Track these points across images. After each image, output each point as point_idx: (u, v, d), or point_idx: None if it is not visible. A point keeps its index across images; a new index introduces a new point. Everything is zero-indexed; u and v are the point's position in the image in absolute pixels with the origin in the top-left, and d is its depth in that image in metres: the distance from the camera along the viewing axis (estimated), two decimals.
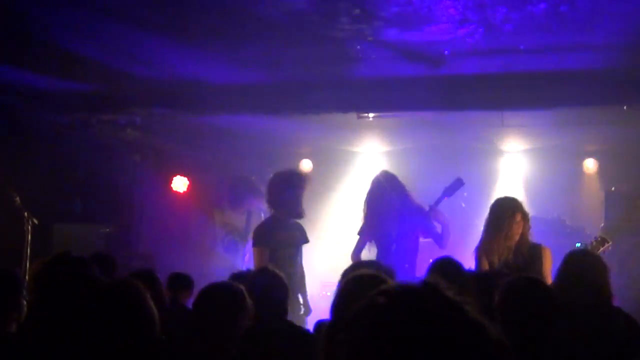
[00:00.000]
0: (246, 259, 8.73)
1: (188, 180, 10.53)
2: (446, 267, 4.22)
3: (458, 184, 7.36)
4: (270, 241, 6.76)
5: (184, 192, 10.42)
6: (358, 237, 7.61)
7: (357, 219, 7.93)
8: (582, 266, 4.38)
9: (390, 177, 7.56)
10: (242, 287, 3.85)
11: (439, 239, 7.19)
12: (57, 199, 9.02)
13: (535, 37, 6.01)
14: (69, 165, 9.05)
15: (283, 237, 6.85)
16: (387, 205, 7.30)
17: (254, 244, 6.85)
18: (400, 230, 7.17)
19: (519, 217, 5.92)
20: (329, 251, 10.60)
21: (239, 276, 4.96)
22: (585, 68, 6.75)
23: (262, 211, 8.91)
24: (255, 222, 8.65)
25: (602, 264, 4.41)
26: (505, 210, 5.96)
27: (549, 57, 6.53)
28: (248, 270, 5.77)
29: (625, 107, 7.15)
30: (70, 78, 7.61)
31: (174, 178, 10.48)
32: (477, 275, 4.47)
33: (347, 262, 9.04)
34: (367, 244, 7.62)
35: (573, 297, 4.13)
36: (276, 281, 4.50)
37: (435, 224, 7.18)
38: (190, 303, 5.22)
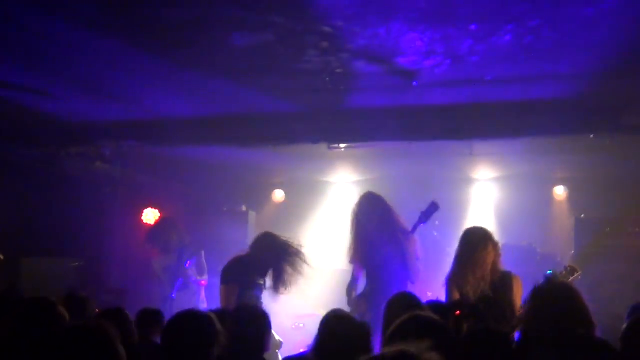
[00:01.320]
0: (202, 296, 8.65)
1: (159, 212, 10.45)
2: (403, 302, 4.22)
3: (433, 208, 7.29)
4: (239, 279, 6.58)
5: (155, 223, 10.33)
6: (352, 266, 7.43)
7: (334, 248, 7.85)
8: (555, 295, 4.31)
9: (375, 200, 7.38)
10: (211, 314, 3.82)
11: (411, 271, 7.07)
12: (25, 234, 8.89)
13: (501, 68, 6.08)
14: (38, 199, 8.93)
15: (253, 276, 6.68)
16: (373, 230, 7.15)
17: (223, 282, 6.66)
18: (388, 257, 7.02)
19: (489, 247, 5.93)
20: (302, 282, 10.55)
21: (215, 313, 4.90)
22: (551, 97, 6.83)
23: (196, 245, 8.87)
24: (188, 256, 8.61)
25: (576, 292, 4.33)
26: (475, 241, 5.97)
27: (515, 87, 6.61)
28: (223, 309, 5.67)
29: (592, 136, 7.23)
30: (38, 112, 7.56)
31: (145, 210, 10.39)
32: (433, 308, 4.43)
33: (320, 294, 9.10)
34: (361, 272, 7.46)
35: (550, 329, 4.05)
36: (256, 317, 4.47)
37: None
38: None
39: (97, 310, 8.02)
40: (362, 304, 6.84)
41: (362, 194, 7.56)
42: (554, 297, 4.27)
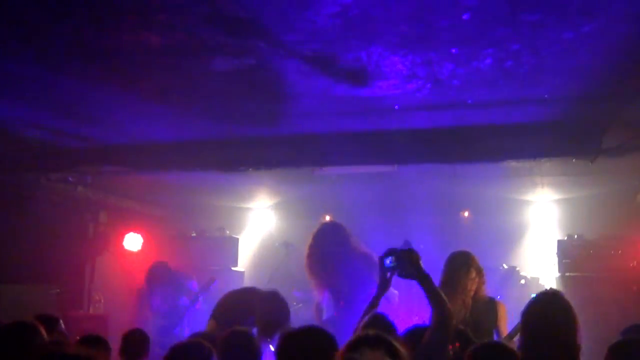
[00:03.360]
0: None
1: (142, 237, 10.36)
2: (374, 327, 4.21)
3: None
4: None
5: (138, 249, 10.24)
6: (316, 293, 7.52)
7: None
8: (551, 315, 4.21)
9: (333, 228, 7.50)
10: (209, 345, 3.89)
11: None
12: (4, 260, 8.76)
13: (482, 92, 6.09)
14: (17, 225, 8.82)
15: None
16: (332, 259, 7.22)
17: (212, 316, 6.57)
18: (348, 284, 7.09)
19: (471, 273, 5.94)
20: None
21: (203, 336, 4.86)
22: (533, 121, 6.86)
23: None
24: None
25: (573, 313, 4.25)
26: (457, 266, 5.98)
27: (497, 110, 6.62)
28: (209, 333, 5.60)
29: (573, 160, 7.25)
30: (19, 137, 7.50)
31: (126, 235, 10.31)
32: (411, 334, 4.42)
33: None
34: (325, 299, 7.53)
35: (538, 352, 4.01)
36: (249, 343, 4.52)
37: None
38: None
39: (77, 337, 7.97)
40: (331, 329, 6.87)
41: (322, 223, 7.72)
42: (540, 313, 4.20)
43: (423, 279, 4.58)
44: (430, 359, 4.17)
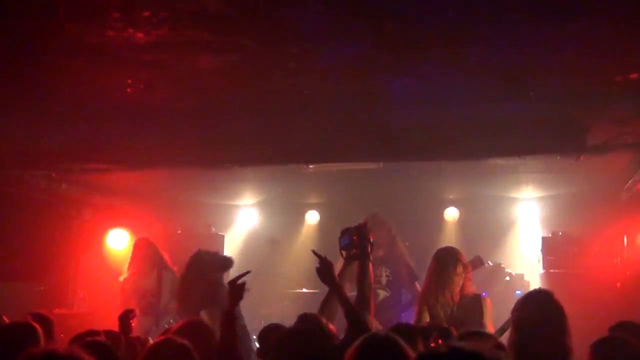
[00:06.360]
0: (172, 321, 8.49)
1: (127, 234, 10.33)
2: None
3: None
4: None
5: (123, 247, 10.20)
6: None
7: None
8: (546, 316, 4.18)
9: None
10: (186, 342, 3.89)
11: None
12: None
13: (467, 89, 6.10)
14: (0, 222, 8.75)
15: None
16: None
17: None
18: None
19: (459, 269, 5.98)
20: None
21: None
22: (518, 119, 6.87)
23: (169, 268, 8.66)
24: (167, 280, 8.44)
25: (565, 314, 4.28)
26: (445, 262, 6.02)
27: (482, 108, 6.62)
28: None
29: (559, 157, 7.29)
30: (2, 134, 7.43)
31: (111, 232, 10.27)
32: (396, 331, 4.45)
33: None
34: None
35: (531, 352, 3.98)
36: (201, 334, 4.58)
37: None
38: None
39: (61, 335, 7.91)
40: None
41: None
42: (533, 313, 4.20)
43: (365, 258, 5.06)
44: None
